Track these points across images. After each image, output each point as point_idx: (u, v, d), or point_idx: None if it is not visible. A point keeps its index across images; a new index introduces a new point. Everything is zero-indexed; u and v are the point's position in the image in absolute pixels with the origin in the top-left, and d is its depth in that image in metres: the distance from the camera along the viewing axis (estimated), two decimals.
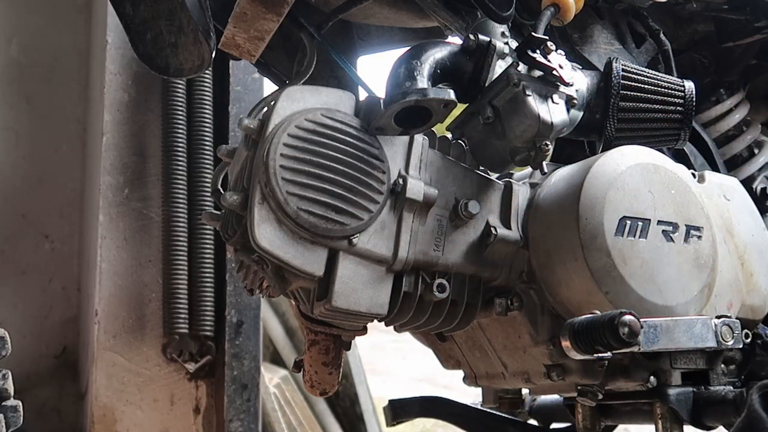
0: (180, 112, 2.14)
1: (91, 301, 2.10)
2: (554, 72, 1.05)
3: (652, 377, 1.09)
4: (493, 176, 1.14)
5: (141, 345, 2.09)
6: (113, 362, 2.05)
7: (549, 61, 1.05)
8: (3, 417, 1.00)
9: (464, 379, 1.36)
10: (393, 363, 5.60)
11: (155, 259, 2.12)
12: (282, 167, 0.95)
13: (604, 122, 1.16)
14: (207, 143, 2.16)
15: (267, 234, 0.94)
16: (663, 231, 1.07)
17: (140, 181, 2.15)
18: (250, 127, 1.00)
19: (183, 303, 2.08)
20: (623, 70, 1.18)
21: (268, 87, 2.27)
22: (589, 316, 0.93)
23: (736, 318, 1.07)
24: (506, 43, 1.12)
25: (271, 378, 2.69)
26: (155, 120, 2.18)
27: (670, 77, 1.23)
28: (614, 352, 0.92)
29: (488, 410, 1.46)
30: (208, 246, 2.13)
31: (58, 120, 2.38)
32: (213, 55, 1.09)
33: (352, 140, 0.99)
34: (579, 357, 0.95)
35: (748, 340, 1.12)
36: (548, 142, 1.05)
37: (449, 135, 1.15)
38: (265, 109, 1.05)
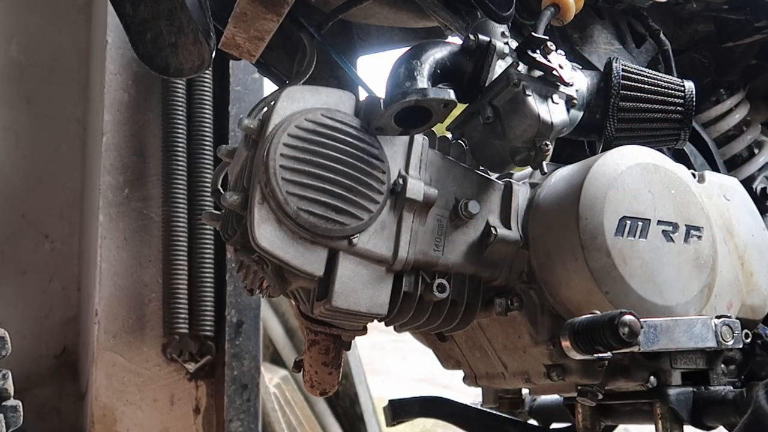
0: (180, 112, 2.14)
1: (91, 301, 2.10)
2: (554, 72, 1.05)
3: (652, 377, 1.09)
4: (493, 176, 1.14)
5: (141, 345, 2.09)
6: (113, 362, 2.05)
7: (549, 61, 1.05)
8: (3, 417, 1.00)
9: (464, 379, 1.36)
10: (393, 363, 5.59)
11: (155, 259, 2.12)
12: (282, 167, 0.95)
13: (604, 122, 1.16)
14: (207, 143, 2.16)
15: (267, 234, 0.94)
16: (663, 231, 1.07)
17: (140, 181, 2.15)
18: (250, 127, 1.00)
19: (183, 303, 2.08)
20: (623, 70, 1.18)
21: (268, 87, 2.27)
22: (589, 316, 0.93)
23: (736, 318, 1.07)
24: (506, 43, 1.12)
25: (271, 378, 2.69)
26: (155, 120, 2.18)
27: (670, 77, 1.23)
28: (614, 352, 0.92)
29: (488, 410, 1.46)
30: (208, 246, 2.13)
31: (58, 120, 2.38)
32: (213, 55, 1.09)
33: (352, 140, 0.99)
34: (579, 357, 0.95)
35: (748, 340, 1.12)
36: (548, 142, 1.05)
37: (449, 135, 1.15)
38: (265, 109, 1.05)
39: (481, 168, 1.12)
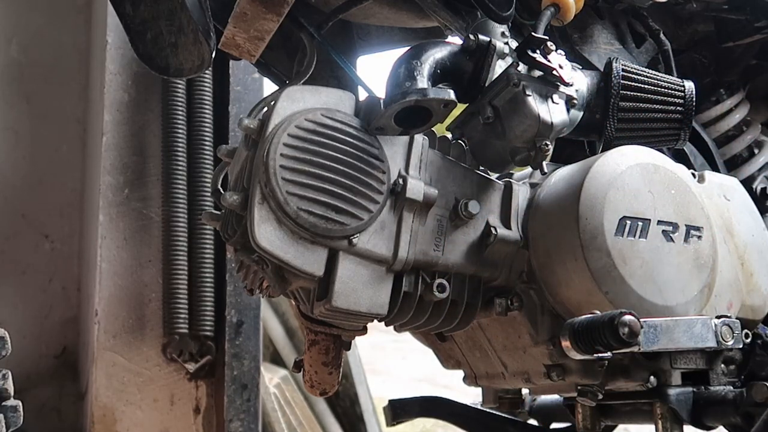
0: (180, 112, 2.14)
1: (91, 301, 2.10)
2: (554, 72, 1.05)
3: (652, 377, 1.09)
4: (493, 176, 1.14)
5: (141, 345, 2.09)
6: (113, 362, 2.05)
7: (549, 61, 1.05)
8: (3, 417, 1.00)
9: (464, 379, 1.36)
10: (393, 363, 5.59)
11: (155, 259, 2.12)
12: (282, 167, 0.95)
13: (604, 122, 1.16)
14: (207, 143, 2.16)
15: (267, 234, 0.94)
16: (663, 231, 1.07)
17: (140, 181, 2.15)
18: (250, 127, 1.00)
19: (183, 303, 2.08)
20: (623, 70, 1.18)
21: (268, 87, 2.27)
22: (589, 316, 0.93)
23: (736, 318, 1.07)
24: (506, 43, 1.12)
25: (271, 378, 2.69)
26: (155, 120, 2.18)
27: (670, 77, 1.23)
28: (614, 352, 0.92)
29: (488, 410, 1.46)
30: (208, 246, 2.13)
31: (58, 120, 2.38)
32: (213, 55, 1.09)
33: (352, 140, 0.99)
34: (579, 357, 0.95)
35: (748, 340, 1.12)
36: (548, 142, 1.05)
37: (449, 135, 1.15)
38: (265, 109, 1.05)
39: (481, 168, 1.12)
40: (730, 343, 1.02)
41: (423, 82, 1.01)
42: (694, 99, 1.21)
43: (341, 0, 1.15)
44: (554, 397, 1.50)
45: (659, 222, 1.07)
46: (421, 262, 1.03)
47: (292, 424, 2.64)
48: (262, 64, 1.26)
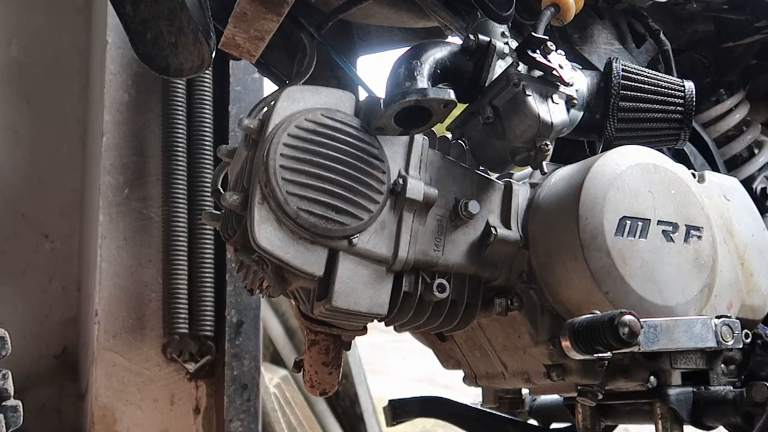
0: (180, 112, 2.14)
1: (91, 301, 2.10)
2: (554, 72, 1.05)
3: (652, 377, 1.09)
4: (493, 176, 1.14)
5: (141, 345, 2.09)
6: (113, 362, 2.05)
7: (549, 61, 1.05)
8: (3, 417, 1.00)
9: (464, 379, 1.36)
10: (393, 363, 5.59)
11: (155, 259, 2.12)
12: (282, 167, 0.95)
13: (604, 122, 1.16)
14: (207, 143, 2.16)
15: (267, 234, 0.94)
16: (663, 231, 1.07)
17: (140, 181, 2.15)
18: (250, 127, 1.00)
19: (183, 303, 2.08)
20: (623, 70, 1.18)
21: (268, 87, 2.27)
22: (589, 316, 0.93)
23: (736, 318, 1.07)
24: (506, 43, 1.12)
25: (271, 378, 2.69)
26: (155, 120, 2.18)
27: (670, 77, 1.23)
28: (614, 352, 0.92)
29: (488, 410, 1.46)
30: (208, 246, 2.13)
31: (58, 120, 2.38)
32: (213, 55, 1.09)
33: (352, 140, 0.99)
34: (579, 357, 0.95)
35: (748, 340, 1.12)
36: (548, 142, 1.05)
37: (449, 135, 1.15)
38: (265, 109, 1.05)
39: (481, 168, 1.12)
40: (730, 343, 1.02)
41: (423, 82, 1.01)
42: (694, 99, 1.21)
43: (341, 0, 1.15)
44: (554, 397, 1.50)
45: (659, 222, 1.07)
46: (421, 262, 1.03)
47: (292, 424, 2.64)
48: (262, 64, 1.26)
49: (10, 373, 1.03)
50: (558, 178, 1.13)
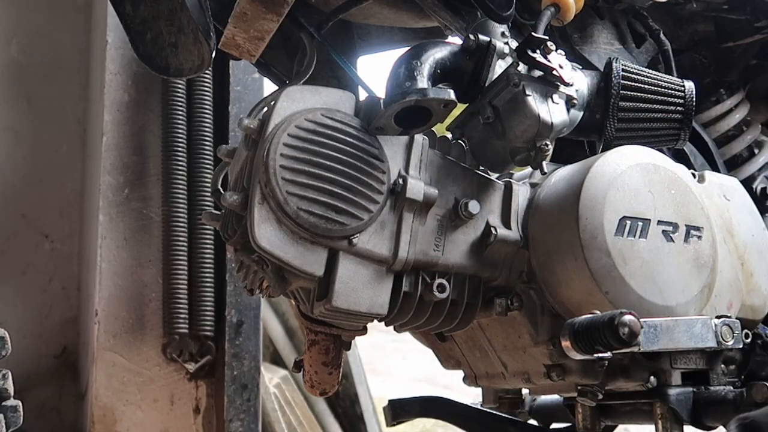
0: (180, 112, 2.14)
1: (91, 301, 2.10)
2: (554, 72, 1.05)
3: (652, 377, 1.09)
4: (493, 176, 1.14)
5: (141, 345, 2.09)
6: (113, 362, 2.05)
7: (549, 61, 1.05)
8: (3, 417, 1.00)
9: (464, 379, 1.36)
10: (393, 363, 5.59)
11: (155, 259, 2.12)
12: (282, 167, 0.95)
13: (604, 122, 1.16)
14: (207, 143, 2.16)
15: (267, 234, 0.94)
16: (663, 231, 1.07)
17: (140, 181, 2.15)
18: (250, 127, 1.00)
19: (183, 303, 2.08)
20: (623, 70, 1.18)
21: (268, 87, 2.27)
22: (589, 316, 0.93)
23: (736, 318, 1.07)
24: (506, 43, 1.11)
25: (271, 378, 2.69)
26: (155, 120, 2.18)
27: (670, 77, 1.23)
28: (614, 352, 0.92)
29: (488, 410, 1.46)
30: (208, 246, 2.13)
31: (58, 120, 2.38)
32: (213, 55, 1.09)
33: (352, 140, 0.99)
34: (579, 357, 0.95)
35: (748, 340, 1.12)
36: (548, 142, 1.05)
37: (449, 135, 1.15)
38: (265, 109, 1.05)
39: (481, 168, 1.12)
40: (730, 343, 1.02)
41: (423, 82, 1.01)
42: (694, 99, 1.21)
43: (341, 0, 1.15)
44: (554, 397, 1.50)
45: (659, 222, 1.07)
46: (421, 262, 1.03)
47: (292, 424, 2.64)
48: (262, 64, 1.26)
49: (10, 373, 1.03)
50: (558, 178, 1.13)
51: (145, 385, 2.08)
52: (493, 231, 1.07)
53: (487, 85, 1.09)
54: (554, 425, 1.54)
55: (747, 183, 1.42)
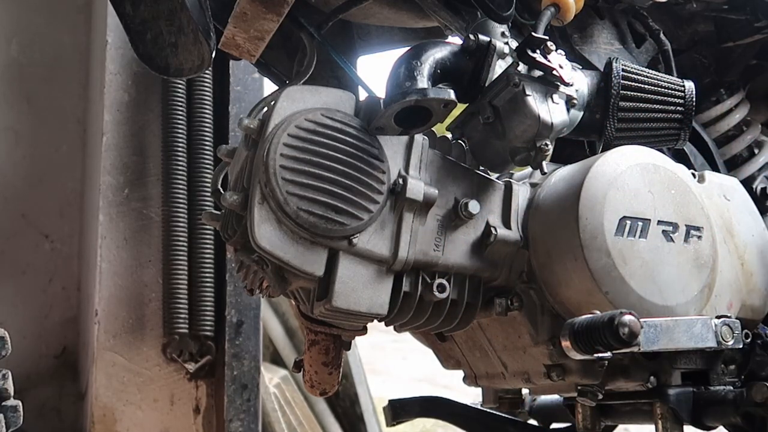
0: (180, 112, 2.14)
1: (91, 301, 2.10)
2: (554, 72, 1.05)
3: (652, 377, 1.09)
4: (493, 176, 1.14)
5: (141, 345, 2.09)
6: (113, 362, 2.05)
7: (549, 61, 1.05)
8: (3, 417, 1.00)
9: (464, 379, 1.36)
10: (393, 363, 5.59)
11: (155, 259, 2.12)
12: (282, 167, 0.95)
13: (604, 122, 1.16)
14: (207, 143, 2.16)
15: (267, 234, 0.94)
16: (663, 231, 1.07)
17: (140, 181, 2.15)
18: (250, 127, 1.00)
19: (183, 303, 2.08)
20: (623, 70, 1.18)
21: (268, 87, 2.27)
22: (589, 316, 0.93)
23: (736, 318, 1.07)
24: (506, 43, 1.11)
25: (271, 378, 2.69)
26: (155, 120, 2.18)
27: (670, 77, 1.23)
28: (614, 352, 0.92)
29: (488, 410, 1.46)
30: (208, 246, 2.13)
31: (58, 120, 2.38)
32: (213, 55, 1.09)
33: (352, 140, 0.99)
34: (579, 357, 0.95)
35: (748, 340, 1.12)
36: (548, 142, 1.05)
37: (449, 135, 1.15)
38: (265, 109, 1.05)
39: (481, 168, 1.12)
40: (730, 343, 1.02)
41: (423, 82, 1.01)
42: (694, 99, 1.21)
43: (341, 0, 1.15)
44: (554, 397, 1.50)
45: (659, 222, 1.07)
46: (421, 262, 1.03)
47: (292, 424, 2.64)
48: (262, 64, 1.26)
49: (10, 373, 1.03)
50: (558, 178, 1.13)
51: (145, 385, 2.08)
52: (493, 231, 1.07)
53: (487, 85, 1.09)
54: (554, 425, 1.55)
55: (747, 183, 1.42)
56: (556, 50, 1.07)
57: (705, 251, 1.10)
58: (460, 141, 1.14)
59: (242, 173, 1.02)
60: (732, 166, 1.50)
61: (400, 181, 1.01)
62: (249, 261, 1.00)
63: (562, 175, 1.13)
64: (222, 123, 2.22)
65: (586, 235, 1.03)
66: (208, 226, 2.12)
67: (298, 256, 0.95)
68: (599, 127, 1.17)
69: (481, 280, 1.10)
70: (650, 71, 1.22)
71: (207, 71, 2.17)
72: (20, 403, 1.03)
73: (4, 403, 1.01)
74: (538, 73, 1.06)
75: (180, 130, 2.13)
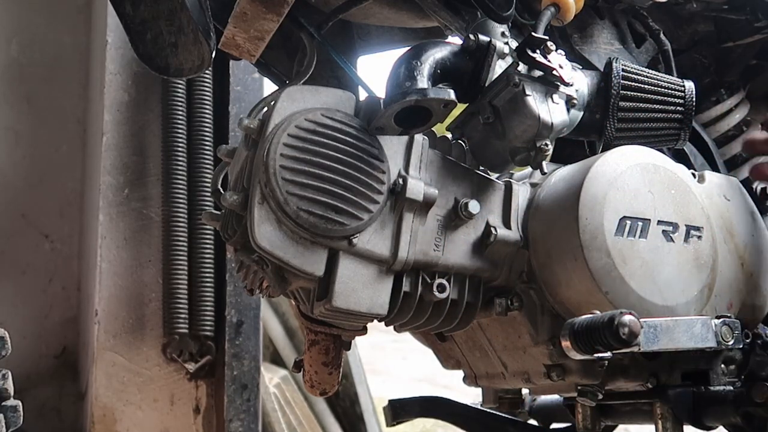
0: (180, 112, 2.14)
1: (91, 301, 2.10)
2: (554, 72, 1.05)
3: (652, 377, 1.09)
4: (493, 176, 1.14)
5: (141, 345, 2.09)
6: (113, 362, 2.05)
7: (549, 61, 1.05)
8: (3, 417, 1.00)
9: (464, 379, 1.36)
10: (393, 363, 5.59)
11: (155, 259, 2.12)
12: (282, 167, 0.95)
13: (604, 122, 1.16)
14: (207, 143, 2.16)
15: (267, 234, 0.94)
16: (663, 231, 1.07)
17: (140, 181, 2.15)
18: (250, 127, 1.00)
19: (183, 303, 2.08)
20: (623, 70, 1.18)
21: (268, 87, 2.27)
22: (589, 316, 0.93)
23: (736, 318, 1.07)
24: (506, 43, 1.11)
25: (271, 378, 2.69)
26: (155, 120, 2.18)
27: (670, 77, 1.23)
28: (614, 352, 0.92)
29: (488, 410, 1.46)
30: (208, 246, 2.13)
31: (58, 120, 2.38)
32: (213, 55, 1.09)
33: (352, 140, 0.99)
34: (579, 357, 0.95)
35: (748, 340, 1.12)
36: (548, 142, 1.05)
37: (449, 135, 1.15)
38: (265, 109, 1.05)
39: (481, 168, 1.12)
40: (730, 343, 1.02)
41: (423, 82, 1.01)
42: (694, 99, 1.21)
43: (341, 0, 1.15)
44: (554, 397, 1.50)
45: (659, 222, 1.07)
46: (421, 262, 1.03)
47: (292, 424, 2.64)
48: (262, 64, 1.26)
49: (10, 373, 1.03)
50: (558, 178, 1.13)
51: (145, 385, 2.08)
52: (493, 231, 1.07)
53: (487, 85, 1.09)
54: (554, 425, 1.55)
55: (747, 183, 1.42)
56: (556, 50, 1.07)
57: (705, 251, 1.10)
58: (460, 141, 1.14)
59: (242, 173, 1.02)
60: (732, 166, 1.50)
61: (400, 181, 1.01)
62: (249, 261, 1.00)
63: (562, 175, 1.13)
64: (222, 123, 2.22)
65: (586, 235, 1.03)
66: (208, 226, 2.12)
67: (298, 256, 0.95)
68: (599, 127, 1.17)
69: (481, 280, 1.10)
70: (650, 71, 1.22)
71: (207, 71, 2.17)
72: (20, 403, 1.03)
73: (4, 403, 1.01)
74: (538, 73, 1.06)
75: (180, 130, 2.13)
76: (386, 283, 1.01)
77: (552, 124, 1.04)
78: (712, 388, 1.12)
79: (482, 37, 1.09)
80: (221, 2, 1.09)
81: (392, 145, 1.03)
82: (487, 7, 1.06)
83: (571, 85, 1.08)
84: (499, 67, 1.09)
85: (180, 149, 2.13)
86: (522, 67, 1.06)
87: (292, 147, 0.96)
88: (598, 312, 0.93)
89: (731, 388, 1.12)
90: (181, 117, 2.14)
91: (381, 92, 1.04)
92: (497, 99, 1.06)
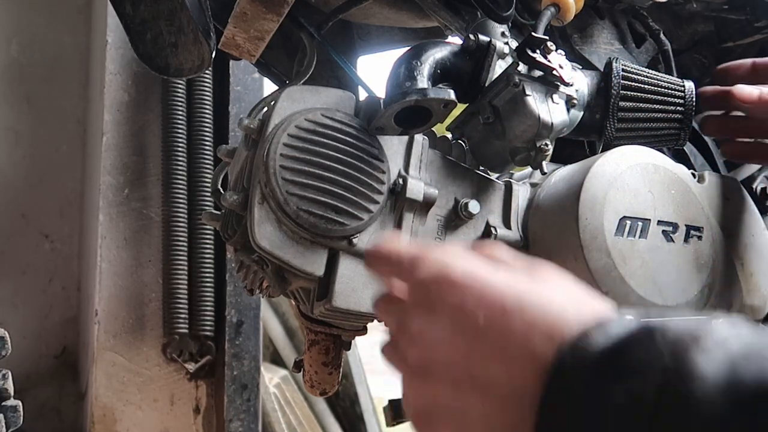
0: (180, 112, 2.14)
1: (91, 301, 2.10)
2: (554, 72, 1.05)
3: None
4: (493, 176, 1.14)
5: (141, 345, 2.09)
6: (113, 362, 2.05)
7: (549, 61, 1.05)
8: (3, 417, 1.00)
9: None
10: None
11: (155, 259, 2.12)
12: (282, 167, 0.95)
13: (604, 122, 1.16)
14: (207, 143, 2.16)
15: (267, 234, 0.94)
16: (663, 231, 1.07)
17: (140, 181, 2.15)
18: (250, 127, 1.00)
19: (183, 303, 2.08)
20: (623, 70, 1.18)
21: (268, 87, 2.27)
22: None
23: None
24: (506, 43, 1.11)
25: (271, 378, 2.69)
26: (155, 120, 2.18)
27: (670, 77, 1.23)
28: None
29: None
30: (208, 246, 2.13)
31: (58, 120, 2.38)
32: (213, 55, 1.09)
33: (352, 140, 0.99)
34: None
35: None
36: (548, 142, 1.04)
37: (449, 135, 1.15)
38: (265, 109, 1.05)
39: (481, 168, 1.12)
40: None
41: (423, 82, 1.01)
42: (694, 99, 1.21)
43: (341, 0, 1.15)
44: None
45: (659, 222, 1.07)
46: None
47: (292, 424, 2.64)
48: (262, 64, 1.26)
49: (10, 373, 1.03)
50: (558, 178, 1.13)
51: (145, 385, 2.08)
52: (493, 231, 1.07)
53: (487, 85, 1.09)
54: None
55: (747, 183, 1.42)
56: (556, 50, 1.07)
57: (705, 251, 1.10)
58: (460, 141, 1.14)
59: (242, 173, 1.02)
60: (732, 166, 1.50)
61: (400, 181, 1.01)
62: (249, 261, 1.00)
63: (562, 175, 1.13)
64: (222, 123, 2.22)
65: (586, 235, 1.03)
66: (208, 226, 2.12)
67: (298, 256, 0.95)
68: (599, 127, 1.17)
69: None
70: (650, 71, 1.22)
71: (207, 71, 2.17)
72: (20, 403, 1.03)
73: (4, 403, 1.02)
74: (538, 73, 1.06)
75: (180, 130, 2.13)
76: None
77: (552, 124, 1.04)
78: None
79: (482, 37, 1.09)
80: (221, 2, 1.09)
81: (392, 145, 1.03)
82: (487, 7, 1.06)
83: (571, 85, 1.08)
84: (499, 67, 1.09)
85: (180, 149, 2.13)
86: (522, 67, 1.05)
87: (292, 147, 0.96)
88: None
89: None
90: (181, 117, 2.14)
91: (381, 92, 1.04)
92: (497, 99, 1.06)
